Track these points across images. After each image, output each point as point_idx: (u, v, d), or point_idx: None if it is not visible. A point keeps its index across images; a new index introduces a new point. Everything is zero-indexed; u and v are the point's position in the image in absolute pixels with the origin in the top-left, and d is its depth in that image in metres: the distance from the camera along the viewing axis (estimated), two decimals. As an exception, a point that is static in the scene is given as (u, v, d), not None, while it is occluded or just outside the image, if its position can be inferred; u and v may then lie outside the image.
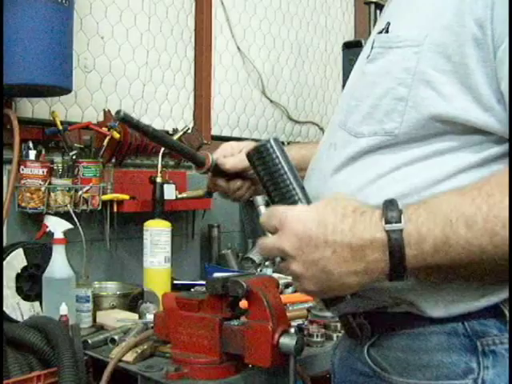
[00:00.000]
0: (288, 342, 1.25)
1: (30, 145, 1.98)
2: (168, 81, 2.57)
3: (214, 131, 2.76)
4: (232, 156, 1.39)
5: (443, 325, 0.89)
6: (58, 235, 1.84)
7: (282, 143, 0.95)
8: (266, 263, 2.41)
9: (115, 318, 1.84)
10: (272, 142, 0.91)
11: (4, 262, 1.85)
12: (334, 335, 1.65)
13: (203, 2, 2.64)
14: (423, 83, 0.86)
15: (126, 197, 2.22)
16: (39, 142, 2.03)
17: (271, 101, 3.01)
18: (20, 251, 1.91)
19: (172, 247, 2.15)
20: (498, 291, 0.84)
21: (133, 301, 1.99)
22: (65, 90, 1.94)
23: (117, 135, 2.14)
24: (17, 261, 1.90)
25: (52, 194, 2.00)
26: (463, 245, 0.75)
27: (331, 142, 0.99)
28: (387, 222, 0.78)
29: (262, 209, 2.32)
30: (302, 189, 0.91)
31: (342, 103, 1.01)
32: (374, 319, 0.97)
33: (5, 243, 1.92)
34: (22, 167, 1.96)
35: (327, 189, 0.95)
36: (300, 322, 1.75)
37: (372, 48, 0.93)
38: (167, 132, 2.51)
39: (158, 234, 2.11)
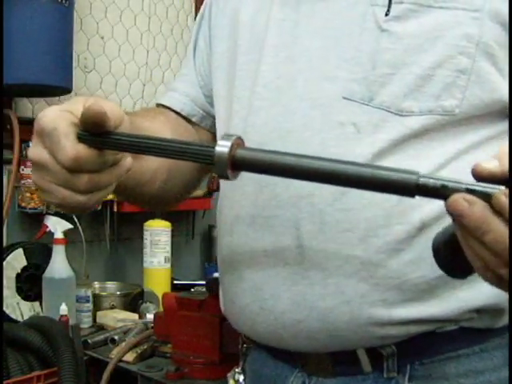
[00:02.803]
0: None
1: (30, 145, 1.98)
2: (168, 81, 2.56)
3: (214, 131, 2.76)
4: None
5: (502, 336, 0.77)
6: (58, 235, 1.84)
7: None
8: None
9: (115, 318, 1.84)
10: None
11: (4, 262, 1.85)
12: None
13: (203, 2, 2.64)
14: (486, 56, 0.73)
15: (126, 197, 2.22)
16: (39, 142, 2.03)
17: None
18: (20, 251, 1.91)
19: (172, 247, 2.15)
20: None
21: (133, 301, 1.99)
22: (65, 89, 1.94)
23: (117, 135, 2.14)
24: (17, 261, 1.90)
25: (52, 194, 2.00)
26: None
27: (341, 121, 0.76)
28: None
29: None
30: None
31: (327, 67, 0.78)
32: (407, 345, 0.77)
33: (5, 243, 1.92)
34: (21, 167, 1.96)
35: None
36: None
37: (391, 2, 0.76)
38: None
39: (158, 234, 2.11)
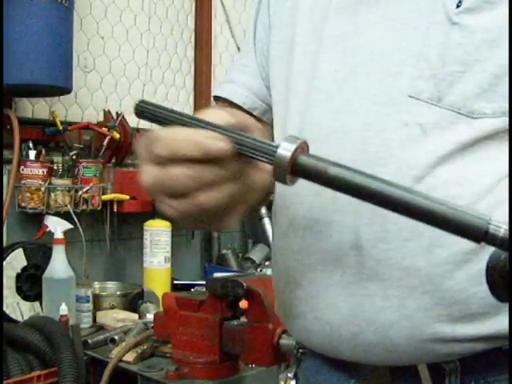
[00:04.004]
0: (288, 342, 1.25)
1: (30, 145, 1.98)
2: (168, 81, 2.56)
3: (214, 131, 2.76)
4: None
5: None
6: (58, 235, 1.84)
7: None
8: (266, 263, 2.40)
9: (115, 318, 1.84)
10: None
11: (4, 262, 1.85)
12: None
13: (203, 1, 2.64)
14: None
15: (126, 197, 2.22)
16: (39, 142, 2.03)
17: (271, 101, 3.01)
18: (20, 251, 1.91)
19: (172, 247, 2.15)
20: None
21: (133, 301, 1.99)
22: (65, 89, 1.94)
23: (117, 135, 2.14)
24: (17, 261, 1.90)
25: (52, 194, 2.00)
26: None
27: (406, 121, 0.70)
28: None
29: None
30: None
31: (390, 61, 0.72)
32: (472, 361, 0.72)
33: (5, 243, 1.92)
34: (22, 167, 1.96)
35: (423, 189, 0.66)
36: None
37: None
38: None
39: (157, 234, 2.12)
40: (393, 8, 0.73)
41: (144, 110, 0.59)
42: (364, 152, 0.71)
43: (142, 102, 0.59)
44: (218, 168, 0.55)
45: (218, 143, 0.54)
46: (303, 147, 0.55)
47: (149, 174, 0.56)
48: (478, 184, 0.69)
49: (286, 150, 0.53)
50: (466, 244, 0.65)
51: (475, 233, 0.49)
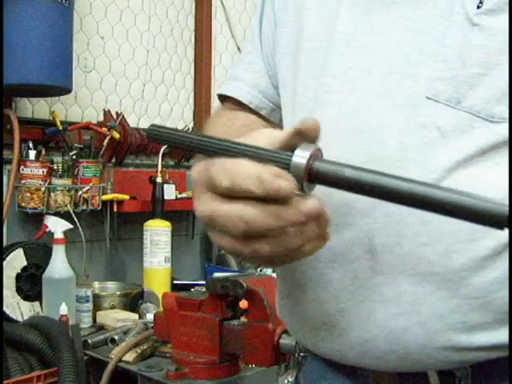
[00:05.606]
0: (288, 342, 1.25)
1: (30, 145, 1.98)
2: (168, 81, 2.57)
3: (214, 131, 2.76)
4: None
5: None
6: (58, 235, 1.84)
7: None
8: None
9: (115, 318, 1.84)
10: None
11: (4, 262, 1.85)
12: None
13: (203, 1, 2.64)
14: None
15: (126, 197, 2.22)
16: (39, 141, 2.03)
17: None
18: (20, 251, 1.91)
19: (172, 247, 2.15)
20: None
21: (133, 301, 1.99)
22: (65, 89, 1.94)
23: (117, 135, 2.15)
24: (17, 261, 1.90)
25: (52, 194, 2.00)
26: None
27: (423, 123, 0.68)
28: None
29: None
30: None
31: (407, 62, 0.70)
32: (484, 367, 0.70)
33: (5, 243, 1.92)
34: (22, 167, 1.96)
35: None
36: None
37: None
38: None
39: (157, 234, 2.12)
40: (409, 7, 0.71)
41: (156, 134, 0.58)
42: (379, 154, 0.69)
43: (153, 125, 0.58)
44: (276, 213, 0.53)
45: (281, 182, 0.52)
46: (317, 153, 0.54)
47: (205, 204, 0.55)
48: (495, 189, 0.66)
49: (300, 157, 0.53)
50: (483, 250, 0.66)
51: (499, 219, 0.49)
